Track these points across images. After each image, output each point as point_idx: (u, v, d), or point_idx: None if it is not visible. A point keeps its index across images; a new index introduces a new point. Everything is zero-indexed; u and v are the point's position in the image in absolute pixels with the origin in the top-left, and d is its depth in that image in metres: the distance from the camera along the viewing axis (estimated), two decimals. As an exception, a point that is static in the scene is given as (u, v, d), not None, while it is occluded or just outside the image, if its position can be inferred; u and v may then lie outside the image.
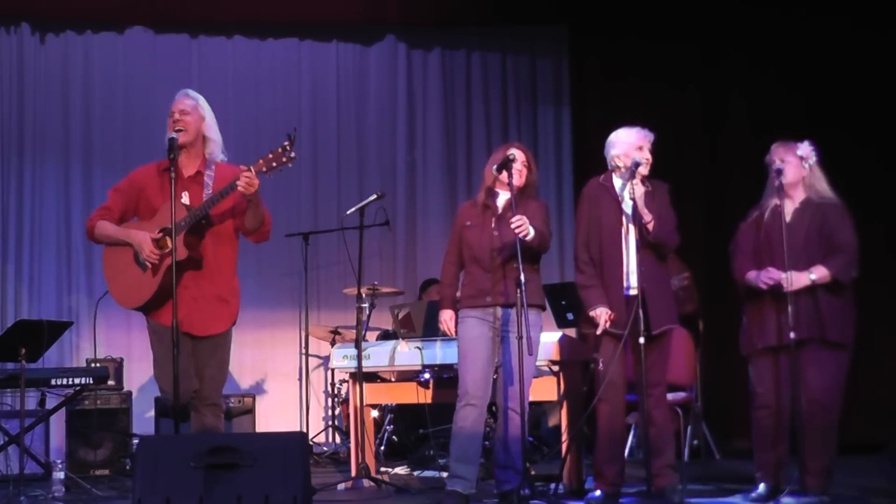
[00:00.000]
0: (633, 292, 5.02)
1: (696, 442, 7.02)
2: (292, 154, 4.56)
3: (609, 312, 5.03)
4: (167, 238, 4.60)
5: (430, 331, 5.89)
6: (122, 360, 7.01)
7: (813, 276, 4.94)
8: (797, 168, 5.09)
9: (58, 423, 6.72)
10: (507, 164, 5.02)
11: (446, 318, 5.25)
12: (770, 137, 5.25)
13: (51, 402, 6.51)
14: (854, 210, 5.15)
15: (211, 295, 4.75)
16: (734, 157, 8.11)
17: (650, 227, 4.99)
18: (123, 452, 6.66)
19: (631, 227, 5.05)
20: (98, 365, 6.70)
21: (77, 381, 6.23)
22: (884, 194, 7.52)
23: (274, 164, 4.57)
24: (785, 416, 5.06)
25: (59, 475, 5.69)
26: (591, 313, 5.06)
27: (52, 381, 6.24)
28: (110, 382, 6.64)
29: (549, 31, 8.95)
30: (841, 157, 7.63)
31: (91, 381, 6.28)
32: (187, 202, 4.71)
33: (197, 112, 4.79)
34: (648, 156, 5.13)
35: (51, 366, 6.97)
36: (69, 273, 8.18)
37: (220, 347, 4.79)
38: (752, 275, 5.06)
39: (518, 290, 4.85)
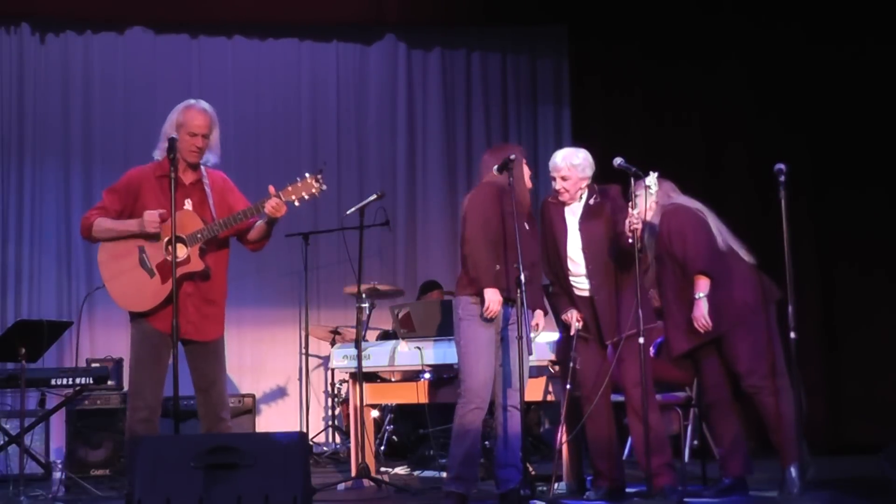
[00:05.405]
0: (586, 294, 5.25)
1: (696, 442, 7.01)
2: (323, 186, 4.75)
3: (578, 314, 5.25)
4: (179, 245, 4.62)
5: (439, 330, 5.88)
6: (122, 360, 6.99)
7: (700, 295, 5.21)
8: (643, 198, 5.35)
9: (58, 423, 6.72)
10: (507, 165, 5.02)
11: (497, 297, 4.95)
12: (771, 141, 5.25)
13: (51, 402, 6.52)
14: (854, 213, 5.14)
15: (208, 301, 4.77)
16: (734, 159, 8.11)
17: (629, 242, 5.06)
18: (123, 452, 6.65)
19: (573, 236, 5.23)
20: (98, 365, 6.71)
21: (77, 381, 6.25)
22: (884, 198, 7.52)
23: (304, 194, 4.74)
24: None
25: (59, 475, 5.69)
26: (563, 317, 5.32)
27: (52, 381, 6.26)
28: (110, 382, 6.63)
29: (549, 32, 8.94)
30: (840, 157, 7.70)
31: (91, 381, 6.30)
32: (190, 208, 4.72)
33: (213, 130, 4.80)
34: None
35: (51, 366, 6.97)
36: (69, 273, 8.17)
37: (221, 352, 4.83)
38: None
39: (518, 290, 4.86)
